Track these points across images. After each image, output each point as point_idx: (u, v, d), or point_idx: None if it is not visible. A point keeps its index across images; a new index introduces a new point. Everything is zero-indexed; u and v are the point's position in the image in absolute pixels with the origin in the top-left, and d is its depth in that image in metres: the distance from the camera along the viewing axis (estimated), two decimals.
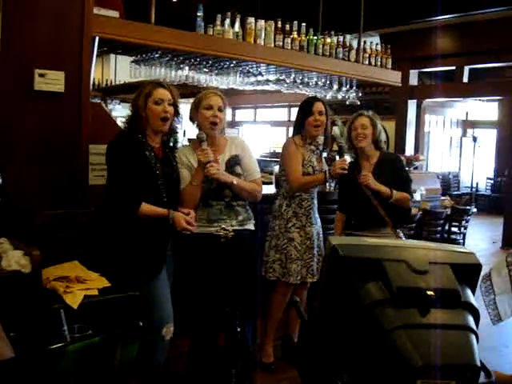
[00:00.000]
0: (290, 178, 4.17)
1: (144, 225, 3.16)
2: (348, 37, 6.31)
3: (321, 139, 4.30)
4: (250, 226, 3.64)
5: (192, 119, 3.60)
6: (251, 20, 5.24)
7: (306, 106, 4.28)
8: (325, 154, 4.68)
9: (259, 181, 3.67)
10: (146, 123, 3.23)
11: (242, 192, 3.52)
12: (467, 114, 17.31)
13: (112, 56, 11.70)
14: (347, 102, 7.08)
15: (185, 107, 3.58)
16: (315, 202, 4.34)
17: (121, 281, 2.99)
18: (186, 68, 5.59)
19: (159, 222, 3.20)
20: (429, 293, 1.72)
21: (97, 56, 4.32)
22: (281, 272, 4.17)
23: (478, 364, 1.70)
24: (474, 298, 1.89)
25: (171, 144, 3.58)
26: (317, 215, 4.35)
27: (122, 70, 11.25)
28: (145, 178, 3.17)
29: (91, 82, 4.01)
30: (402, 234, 4.22)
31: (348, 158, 4.16)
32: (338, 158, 4.25)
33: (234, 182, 3.44)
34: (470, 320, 1.77)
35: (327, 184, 4.28)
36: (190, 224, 3.22)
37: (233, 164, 3.53)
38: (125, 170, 3.12)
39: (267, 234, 4.29)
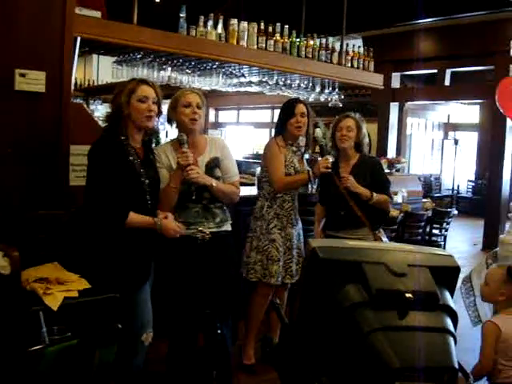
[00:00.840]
0: (274, 179, 4.18)
1: (131, 234, 3.09)
2: (331, 39, 6.36)
3: (302, 141, 4.32)
4: (227, 227, 3.64)
5: (170, 121, 3.56)
6: (234, 21, 5.26)
7: (288, 108, 4.30)
8: (307, 156, 4.71)
9: (237, 183, 3.66)
10: (129, 121, 3.12)
11: (221, 194, 3.51)
12: (449, 116, 17.44)
13: (94, 56, 11.66)
14: (329, 104, 7.13)
15: (166, 108, 3.57)
16: (296, 203, 4.36)
17: (107, 289, 2.93)
18: (169, 69, 5.59)
19: (146, 231, 3.14)
20: (407, 295, 1.73)
21: (79, 56, 4.30)
22: (262, 273, 4.18)
23: (456, 366, 1.72)
24: (454, 300, 1.90)
25: (153, 145, 3.56)
26: (298, 216, 4.38)
27: (104, 70, 11.22)
28: (130, 184, 3.09)
29: (73, 82, 3.99)
30: (383, 235, 4.26)
31: (330, 158, 4.19)
32: (319, 158, 4.28)
33: (214, 185, 3.42)
34: (448, 322, 1.79)
35: (309, 186, 4.30)
36: (179, 227, 3.21)
37: (212, 166, 3.52)
38: (110, 177, 3.01)
39: (248, 235, 4.30)
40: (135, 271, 3.14)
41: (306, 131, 4.32)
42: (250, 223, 4.32)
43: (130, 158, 3.13)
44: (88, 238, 3.15)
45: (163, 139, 6.29)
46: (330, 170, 4.09)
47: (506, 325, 3.11)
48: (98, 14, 4.26)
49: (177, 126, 3.56)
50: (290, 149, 4.31)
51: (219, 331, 3.30)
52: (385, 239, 4.31)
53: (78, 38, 4.03)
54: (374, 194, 4.08)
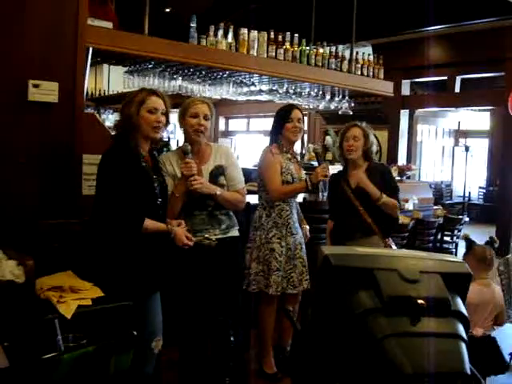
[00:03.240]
0: (270, 188, 4.14)
1: (144, 241, 3.11)
2: (340, 47, 6.37)
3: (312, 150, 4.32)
4: (234, 233, 3.66)
5: (180, 125, 3.60)
6: (244, 31, 5.28)
7: (284, 113, 4.26)
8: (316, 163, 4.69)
9: (243, 191, 3.68)
10: (138, 131, 3.15)
11: (225, 202, 3.54)
12: (459, 123, 17.39)
13: (105, 66, 11.71)
14: (340, 112, 7.14)
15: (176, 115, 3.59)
16: (294, 211, 4.31)
17: (119, 295, 2.94)
18: (180, 78, 5.63)
19: (160, 237, 3.18)
20: (419, 301, 1.73)
21: (90, 66, 4.34)
22: (264, 283, 4.13)
23: (468, 372, 1.72)
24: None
25: (164, 153, 3.59)
26: (297, 225, 4.32)
27: (115, 80, 11.26)
28: (144, 191, 3.13)
29: (85, 92, 4.02)
30: (392, 243, 4.23)
31: (331, 166, 4.19)
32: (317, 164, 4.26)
33: (218, 193, 3.45)
34: (460, 328, 1.79)
35: (320, 194, 4.29)
36: (190, 239, 3.23)
37: (217, 174, 3.55)
38: (125, 184, 3.04)
39: (247, 245, 4.24)
40: (147, 278, 3.14)
41: (301, 138, 4.34)
42: (250, 234, 4.27)
43: (143, 164, 3.17)
44: (100, 245, 3.15)
45: (174, 148, 6.31)
46: (327, 179, 4.06)
47: None
48: (109, 24, 4.30)
49: (184, 132, 3.59)
50: (286, 156, 4.26)
51: (232, 338, 3.32)
52: (394, 247, 4.29)
53: (90, 49, 4.07)
54: (384, 195, 4.06)
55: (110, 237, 3.11)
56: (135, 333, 1.90)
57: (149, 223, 3.10)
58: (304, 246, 4.33)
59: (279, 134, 4.27)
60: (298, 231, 4.32)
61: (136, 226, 3.06)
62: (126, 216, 3.05)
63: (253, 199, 4.50)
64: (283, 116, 4.26)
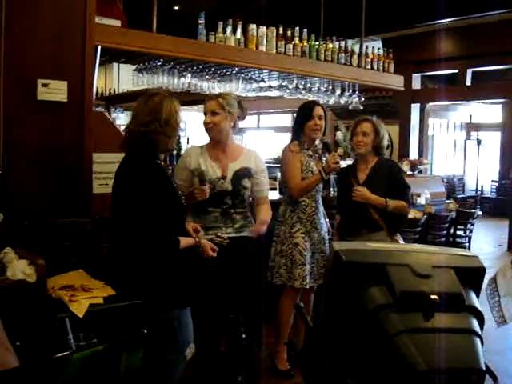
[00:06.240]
0: (290, 185, 4.17)
1: (180, 257, 3.04)
2: (350, 42, 6.34)
3: (319, 144, 4.30)
4: (248, 233, 3.64)
5: None
6: (253, 27, 5.26)
7: (306, 111, 4.27)
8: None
9: (267, 200, 3.73)
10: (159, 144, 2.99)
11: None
12: (471, 116, 17.29)
13: (115, 65, 11.74)
14: (350, 107, 7.10)
15: (187, 114, 3.59)
16: (320, 207, 4.33)
17: (154, 304, 2.89)
18: (189, 75, 5.61)
19: (190, 251, 3.13)
20: (432, 297, 1.72)
21: (99, 65, 4.33)
22: (286, 277, 4.16)
23: (483, 367, 1.70)
24: (481, 302, 1.88)
25: (175, 152, 3.58)
26: (322, 220, 4.34)
27: (124, 78, 11.29)
28: (174, 207, 3.03)
29: (94, 91, 4.02)
30: (400, 238, 4.20)
31: (349, 162, 4.16)
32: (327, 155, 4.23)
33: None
34: (475, 323, 1.77)
35: (331, 189, 4.25)
36: (214, 250, 3.20)
37: (241, 175, 3.55)
38: (160, 203, 2.90)
39: (272, 239, 4.28)
40: (184, 293, 3.09)
41: (323, 134, 4.32)
42: (275, 228, 4.28)
43: (171, 178, 3.13)
44: (136, 263, 2.98)
45: (184, 146, 6.32)
46: (339, 165, 4.07)
47: None
48: (117, 22, 4.29)
49: None
50: (306, 153, 4.26)
51: (244, 336, 3.30)
52: (402, 242, 4.25)
53: (99, 47, 4.06)
54: (390, 201, 4.01)
55: (147, 257, 2.95)
56: (145, 331, 1.90)
57: (181, 241, 3.02)
58: (327, 241, 4.34)
59: (301, 131, 4.28)
60: (323, 227, 4.35)
61: (173, 249, 2.98)
62: (163, 240, 2.95)
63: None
64: (304, 113, 4.27)
